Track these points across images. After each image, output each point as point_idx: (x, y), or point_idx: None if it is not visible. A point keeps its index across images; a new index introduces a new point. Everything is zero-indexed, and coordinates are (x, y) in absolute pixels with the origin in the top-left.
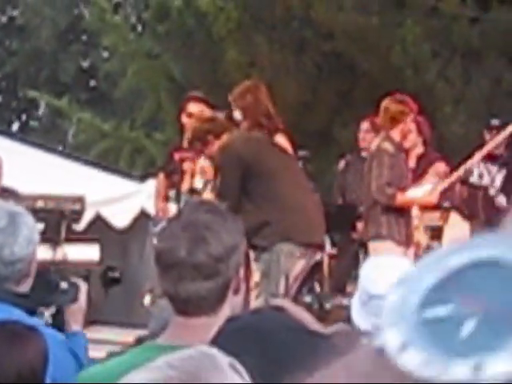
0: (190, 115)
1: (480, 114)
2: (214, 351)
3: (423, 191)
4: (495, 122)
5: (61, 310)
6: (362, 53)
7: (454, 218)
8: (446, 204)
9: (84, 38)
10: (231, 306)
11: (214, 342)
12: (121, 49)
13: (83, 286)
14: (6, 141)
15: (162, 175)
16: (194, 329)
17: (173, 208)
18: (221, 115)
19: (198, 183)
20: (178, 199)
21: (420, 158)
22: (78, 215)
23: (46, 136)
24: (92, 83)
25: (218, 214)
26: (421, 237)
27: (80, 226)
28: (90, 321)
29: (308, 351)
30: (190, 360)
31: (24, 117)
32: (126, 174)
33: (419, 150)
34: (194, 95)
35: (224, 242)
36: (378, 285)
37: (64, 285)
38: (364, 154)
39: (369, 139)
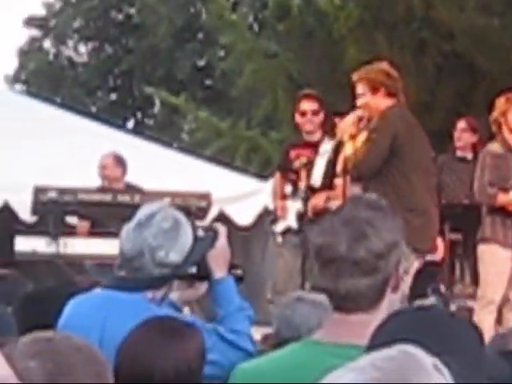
0: (302, 113)
1: None
2: (417, 351)
3: None
4: None
5: (204, 259)
6: (483, 54)
7: None
8: None
9: (200, 36)
10: (389, 303)
11: (377, 336)
12: (238, 47)
13: (222, 230)
14: (123, 135)
15: (278, 173)
16: (352, 325)
17: (291, 206)
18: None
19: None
20: (294, 196)
21: None
22: (203, 212)
23: (161, 133)
24: (207, 81)
25: (379, 210)
26: None
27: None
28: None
29: (475, 342)
30: (393, 361)
31: (139, 114)
32: (245, 171)
33: None
34: (307, 93)
35: (384, 238)
36: None
37: (201, 232)
38: (459, 153)
39: (465, 138)
